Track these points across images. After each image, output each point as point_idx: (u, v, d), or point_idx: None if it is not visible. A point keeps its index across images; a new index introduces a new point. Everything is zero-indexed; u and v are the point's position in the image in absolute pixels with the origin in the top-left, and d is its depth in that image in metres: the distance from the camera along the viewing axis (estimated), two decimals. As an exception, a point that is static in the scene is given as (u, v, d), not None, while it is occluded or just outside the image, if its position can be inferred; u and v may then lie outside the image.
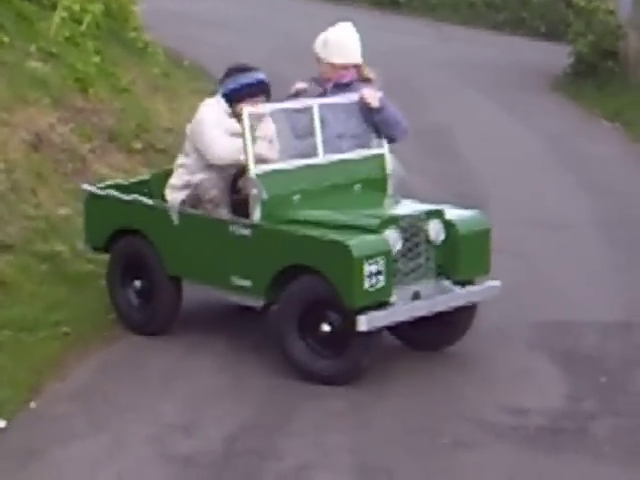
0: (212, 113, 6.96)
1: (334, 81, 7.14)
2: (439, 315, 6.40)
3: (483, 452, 5.57)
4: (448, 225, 6.25)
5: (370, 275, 5.80)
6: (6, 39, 10.62)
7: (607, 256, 8.56)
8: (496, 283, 6.56)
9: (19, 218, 8.37)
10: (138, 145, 10.90)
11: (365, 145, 7.01)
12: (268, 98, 7.04)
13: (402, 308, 6.14)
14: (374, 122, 6.93)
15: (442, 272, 6.45)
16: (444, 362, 6.95)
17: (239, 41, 16.98)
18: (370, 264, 5.77)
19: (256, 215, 6.37)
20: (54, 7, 11.77)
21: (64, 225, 8.64)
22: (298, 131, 7.02)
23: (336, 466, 5.52)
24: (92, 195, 7.52)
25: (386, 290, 5.98)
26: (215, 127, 6.87)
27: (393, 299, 6.07)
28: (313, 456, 5.59)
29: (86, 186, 7.68)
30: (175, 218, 6.92)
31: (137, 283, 7.18)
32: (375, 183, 6.83)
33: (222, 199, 6.80)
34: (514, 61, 17.30)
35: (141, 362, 7.02)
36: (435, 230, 6.19)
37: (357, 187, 6.75)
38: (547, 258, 8.80)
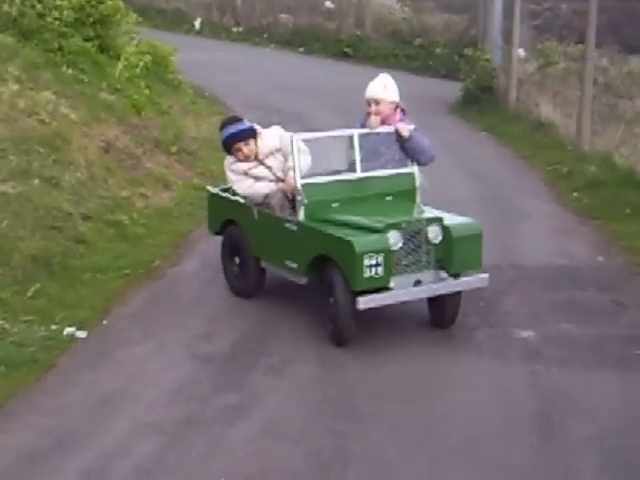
0: (228, 162, 7.48)
1: (389, 122, 7.41)
2: (439, 301, 6.88)
3: (408, 356, 6.55)
4: (445, 229, 6.61)
5: (370, 266, 6.26)
6: (86, 79, 12.14)
7: (483, 220, 8.34)
8: (484, 276, 6.90)
9: (95, 198, 9.49)
10: (174, 149, 12.05)
11: (399, 166, 7.32)
12: (247, 139, 7.27)
13: (400, 293, 6.56)
14: (405, 148, 7.27)
15: (441, 266, 6.74)
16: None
17: (241, 80, 18.03)
18: (370, 258, 6.25)
19: (300, 215, 6.92)
20: (118, 57, 13.31)
21: (125, 203, 9.78)
22: (342, 153, 7.45)
23: (308, 359, 6.54)
24: (212, 194, 8.24)
25: (384, 279, 6.41)
26: (231, 172, 7.47)
27: (392, 285, 6.48)
28: (292, 354, 6.60)
29: (209, 187, 8.46)
30: (255, 214, 7.51)
31: (236, 259, 7.88)
32: (405, 195, 7.24)
33: (281, 205, 7.30)
34: (424, 94, 17.44)
35: (176, 293, 7.96)
36: (434, 232, 6.58)
37: (389, 198, 7.20)
38: None
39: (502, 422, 5.66)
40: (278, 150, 7.39)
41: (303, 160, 7.05)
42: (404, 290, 6.59)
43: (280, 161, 7.44)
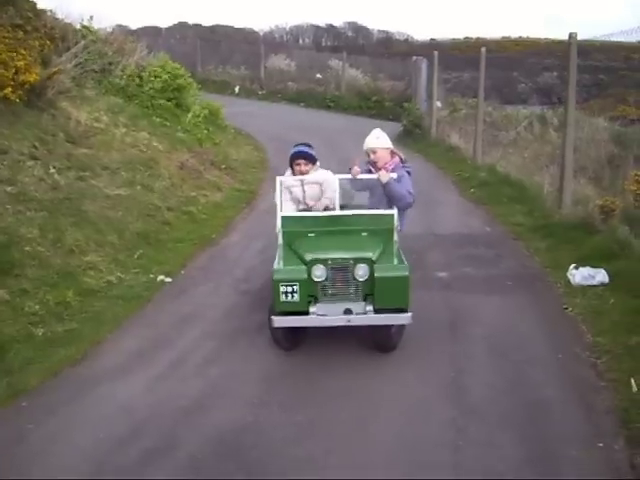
0: (286, 173, 6.21)
1: (386, 165, 6.09)
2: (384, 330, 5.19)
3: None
4: (371, 269, 5.01)
5: (285, 293, 4.95)
6: (168, 124, 12.22)
7: (415, 206, 8.00)
8: (407, 315, 5.06)
9: (175, 197, 9.45)
10: (223, 166, 11.87)
11: (380, 207, 5.87)
12: (308, 160, 6.06)
13: (305, 319, 5.04)
14: (385, 193, 5.90)
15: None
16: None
17: (264, 124, 17.66)
18: (286, 286, 4.94)
19: (279, 240, 5.57)
20: (188, 110, 13.27)
21: (193, 200, 9.64)
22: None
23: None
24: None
25: (300, 304, 4.99)
26: (282, 179, 6.02)
27: (315, 309, 5.02)
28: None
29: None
30: None
31: None
32: (381, 232, 5.54)
33: None
34: None
35: (226, 254, 7.88)
36: (361, 270, 5.00)
37: (364, 234, 5.54)
38: None
39: (426, 326, 5.70)
40: (319, 183, 6.08)
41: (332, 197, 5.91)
42: (316, 317, 5.02)
43: (314, 192, 6.11)
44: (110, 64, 12.97)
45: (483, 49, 12.89)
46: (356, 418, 4.34)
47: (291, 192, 6.15)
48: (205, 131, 13.12)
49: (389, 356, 5.21)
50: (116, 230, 7.60)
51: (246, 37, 40.62)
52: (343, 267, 5.08)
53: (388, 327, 5.19)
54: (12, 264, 5.99)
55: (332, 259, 5.09)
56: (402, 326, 5.30)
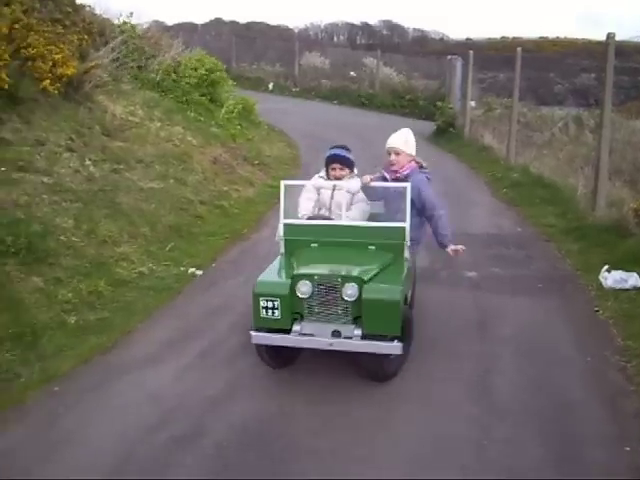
0: (319, 173, 5.79)
1: (402, 170, 5.45)
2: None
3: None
4: (361, 289, 4.45)
5: (266, 308, 4.52)
6: (202, 119, 12.41)
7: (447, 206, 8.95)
8: (397, 344, 4.44)
9: (207, 191, 9.56)
10: (256, 162, 12.01)
11: (395, 218, 5.10)
12: (344, 165, 5.57)
13: (284, 337, 4.57)
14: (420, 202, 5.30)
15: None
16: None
17: (297, 120, 17.70)
18: (266, 300, 4.51)
19: (281, 249, 5.20)
20: (222, 106, 13.48)
21: (225, 194, 9.80)
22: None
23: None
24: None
25: (282, 321, 4.55)
26: (312, 179, 5.72)
27: (298, 328, 4.57)
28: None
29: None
30: None
31: None
32: (390, 247, 4.98)
33: None
34: (411, 128, 18.08)
35: (256, 248, 7.81)
36: (350, 290, 4.44)
37: (371, 247, 5.01)
38: None
39: (454, 325, 5.74)
40: (352, 193, 5.50)
41: (359, 209, 5.50)
42: (296, 337, 4.56)
43: (345, 200, 5.45)
44: (146, 59, 13.17)
45: (519, 49, 12.79)
46: (380, 414, 4.35)
47: (319, 194, 5.65)
48: (239, 127, 13.25)
49: (417, 353, 5.19)
50: (149, 222, 7.71)
51: (281, 34, 40.80)
52: (330, 285, 4.54)
53: (380, 354, 4.57)
54: (47, 253, 6.10)
55: (319, 275, 4.57)
56: (402, 354, 4.68)
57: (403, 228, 5.00)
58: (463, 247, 5.40)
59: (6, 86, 7.55)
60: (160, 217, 8.00)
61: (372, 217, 5.50)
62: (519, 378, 4.83)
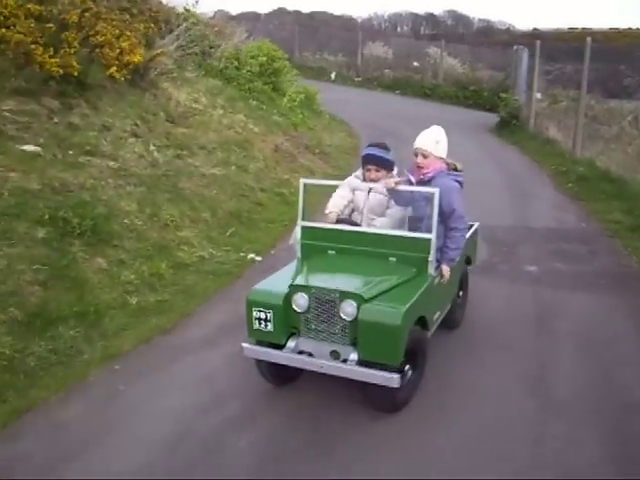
0: (357, 172, 5.28)
1: (427, 172, 4.69)
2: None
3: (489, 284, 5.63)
4: (359, 308, 3.94)
5: (259, 319, 4.15)
6: (264, 107, 12.56)
7: (508, 198, 9.20)
8: (394, 376, 3.85)
9: (268, 179, 9.62)
10: (317, 151, 12.08)
11: (421, 227, 4.63)
12: (380, 167, 5.01)
13: (274, 353, 4.16)
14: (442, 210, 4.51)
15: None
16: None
17: (359, 110, 17.68)
18: (259, 311, 4.13)
19: (298, 253, 4.84)
20: (284, 95, 13.64)
21: (286, 182, 9.81)
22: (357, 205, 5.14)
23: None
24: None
25: (275, 335, 4.16)
26: (349, 178, 5.26)
27: (292, 344, 4.18)
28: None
29: None
30: None
31: None
32: (412, 261, 4.43)
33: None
34: (474, 120, 17.72)
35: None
36: (348, 308, 3.96)
37: (392, 259, 4.48)
38: (482, 197, 9.07)
39: (514, 320, 5.69)
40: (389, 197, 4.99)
41: (394, 216, 5.00)
42: (288, 354, 4.16)
43: (379, 205, 5.05)
44: (210, 47, 13.37)
45: (588, 39, 12.45)
46: (436, 403, 4.34)
47: (354, 194, 5.18)
48: (300, 115, 13.35)
49: (474, 345, 5.17)
50: (210, 208, 7.82)
51: (344, 24, 40.68)
52: (328, 300, 4.06)
53: (410, 389, 4.26)
54: (111, 235, 6.27)
55: (316, 288, 4.09)
56: (412, 381, 4.27)
57: (428, 240, 4.40)
58: (447, 278, 4.66)
59: (75, 73, 7.77)
60: (221, 203, 8.10)
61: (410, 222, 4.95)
62: (577, 374, 4.75)
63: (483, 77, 23.09)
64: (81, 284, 5.54)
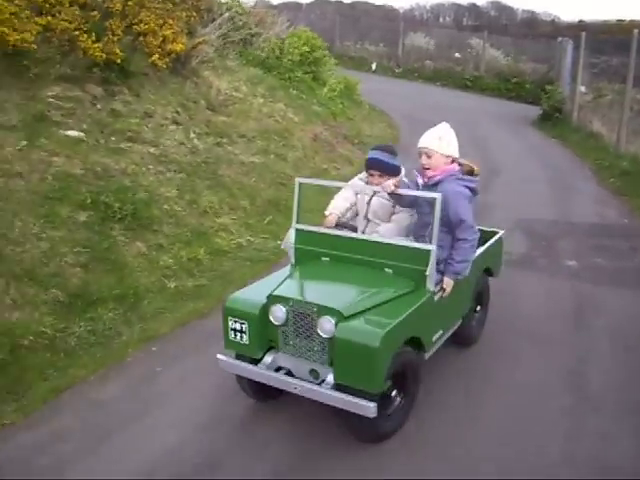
0: (356, 178, 4.93)
1: (432, 176, 4.23)
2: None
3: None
4: (337, 326, 3.51)
5: (234, 330, 3.81)
6: (304, 97, 12.57)
7: (549, 192, 9.11)
8: (370, 405, 3.39)
9: (307, 168, 9.64)
10: (356, 141, 11.99)
11: (425, 235, 4.19)
12: (384, 172, 4.48)
13: (251, 369, 3.80)
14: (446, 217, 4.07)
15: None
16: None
17: (399, 101, 17.56)
18: (234, 321, 3.79)
19: (291, 259, 4.48)
20: (324, 84, 13.64)
21: (325, 172, 9.88)
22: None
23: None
24: None
25: (250, 348, 3.80)
26: (354, 179, 4.94)
27: (269, 359, 3.83)
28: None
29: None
30: None
31: None
32: (411, 273, 3.94)
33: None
34: (516, 113, 17.52)
35: None
36: (325, 324, 3.53)
37: (388, 270, 4.02)
38: (523, 190, 9.44)
39: (554, 312, 5.65)
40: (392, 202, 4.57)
41: (399, 222, 4.56)
42: (261, 370, 3.79)
43: (382, 210, 4.63)
44: (252, 36, 13.44)
45: (635, 31, 12.20)
46: (473, 395, 4.33)
47: (357, 197, 4.84)
48: (340, 105, 13.31)
49: (508, 339, 5.14)
50: (248, 195, 7.87)
51: (386, 14, 40.52)
52: (306, 314, 3.67)
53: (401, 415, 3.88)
54: (151, 220, 6.37)
55: (295, 300, 3.70)
56: (401, 408, 3.87)
57: (427, 252, 3.90)
58: (448, 291, 4.16)
59: (119, 60, 7.90)
60: (260, 191, 8.15)
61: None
62: (614, 370, 4.69)
63: (526, 69, 22.76)
64: (121, 267, 5.65)
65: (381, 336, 3.40)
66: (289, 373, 3.86)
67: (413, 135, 13.12)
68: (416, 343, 3.86)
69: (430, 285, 3.96)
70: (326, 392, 3.55)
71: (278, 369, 3.89)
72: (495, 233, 5.30)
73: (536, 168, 11.62)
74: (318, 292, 3.88)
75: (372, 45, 28.35)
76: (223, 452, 3.67)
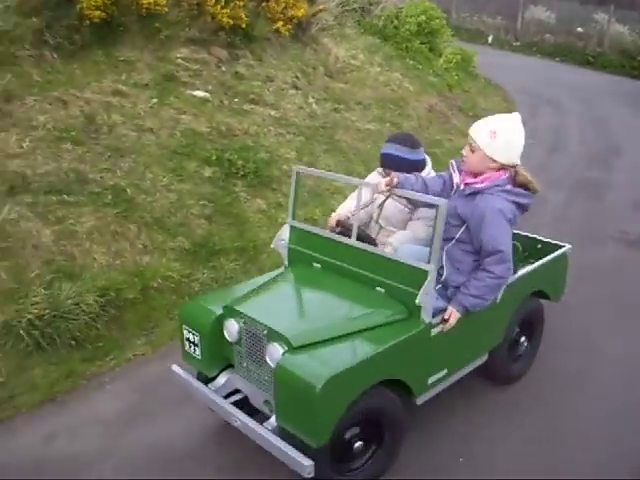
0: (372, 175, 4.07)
1: (476, 182, 3.32)
2: None
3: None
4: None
5: (188, 340, 3.30)
6: (420, 67, 12.27)
7: None
8: (307, 463, 2.73)
9: (421, 138, 9.10)
10: (471, 113, 11.60)
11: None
12: (404, 170, 3.51)
13: (198, 388, 3.29)
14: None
15: None
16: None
17: (515, 75, 16.87)
18: (188, 331, 3.28)
19: (285, 260, 3.81)
20: (440, 55, 13.43)
21: (439, 143, 9.49)
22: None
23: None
24: None
25: (203, 364, 3.29)
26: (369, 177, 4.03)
27: (223, 380, 3.31)
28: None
29: None
30: None
31: None
32: (402, 296, 3.14)
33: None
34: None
35: None
36: (271, 351, 2.92)
37: (380, 289, 3.25)
38: None
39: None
40: (409, 207, 3.85)
41: (415, 231, 3.75)
42: (206, 391, 3.26)
43: (396, 214, 3.86)
44: (370, 4, 13.41)
45: None
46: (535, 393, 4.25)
47: (374, 198, 3.96)
48: (456, 77, 13.12)
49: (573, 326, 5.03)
50: (363, 161, 7.95)
51: (505, -13, 39.24)
52: (257, 336, 3.07)
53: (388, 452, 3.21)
54: (271, 179, 6.59)
55: (247, 318, 3.10)
56: (374, 463, 3.15)
57: (423, 272, 3.06)
58: (451, 324, 3.22)
59: (244, 25, 8.17)
60: (374, 157, 8.10)
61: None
62: None
63: (654, 46, 21.66)
64: (242, 221, 5.90)
65: (325, 379, 2.66)
66: (246, 399, 3.30)
67: (528, 110, 12.95)
68: (403, 385, 3.13)
69: (426, 316, 3.13)
70: (264, 435, 2.94)
71: (235, 392, 3.38)
72: (557, 247, 4.30)
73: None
74: (276, 311, 3.17)
75: (489, 17, 27.62)
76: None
